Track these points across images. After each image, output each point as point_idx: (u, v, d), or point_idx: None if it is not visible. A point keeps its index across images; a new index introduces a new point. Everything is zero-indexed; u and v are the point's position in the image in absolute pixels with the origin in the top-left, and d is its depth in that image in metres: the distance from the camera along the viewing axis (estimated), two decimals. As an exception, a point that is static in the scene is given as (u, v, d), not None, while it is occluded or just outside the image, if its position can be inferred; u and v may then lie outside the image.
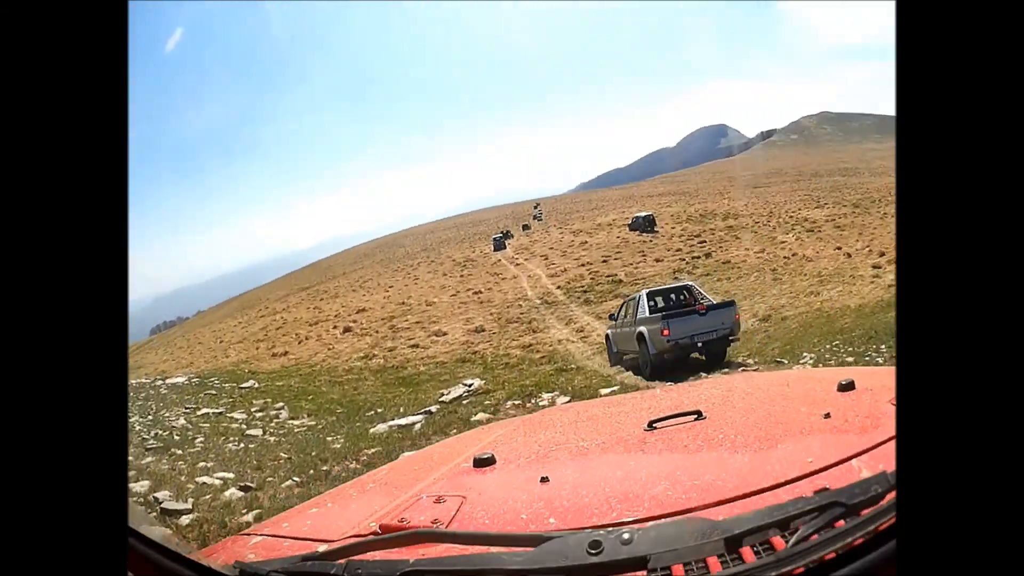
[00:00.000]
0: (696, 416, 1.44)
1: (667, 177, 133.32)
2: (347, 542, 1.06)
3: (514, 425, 2.14)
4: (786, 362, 9.55)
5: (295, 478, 6.02)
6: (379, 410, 10.12)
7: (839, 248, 24.52)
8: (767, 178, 77.68)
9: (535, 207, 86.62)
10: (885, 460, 0.98)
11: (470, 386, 10.12)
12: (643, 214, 41.77)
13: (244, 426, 10.06)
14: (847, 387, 1.50)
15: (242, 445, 8.45)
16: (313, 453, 7.09)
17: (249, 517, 4.94)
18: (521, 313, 23.28)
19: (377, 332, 25.43)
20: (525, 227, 63.91)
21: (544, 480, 1.19)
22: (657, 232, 37.99)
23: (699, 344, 10.26)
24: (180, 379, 19.13)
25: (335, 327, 28.86)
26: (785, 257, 24.92)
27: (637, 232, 38.41)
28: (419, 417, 8.17)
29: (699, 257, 27.84)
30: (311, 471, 6.22)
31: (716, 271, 24.67)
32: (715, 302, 11.55)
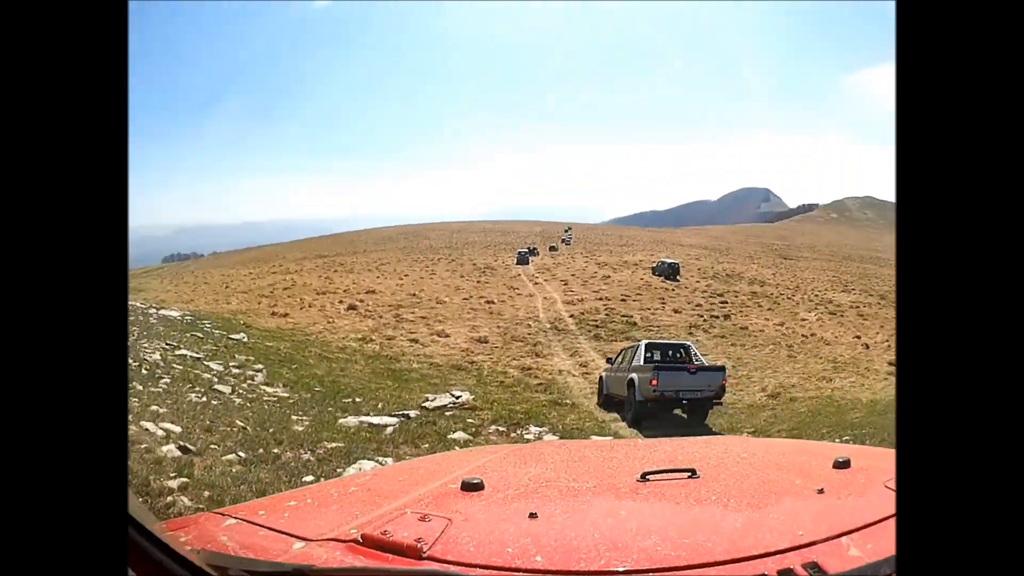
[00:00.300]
0: (690, 474, 1.45)
1: (702, 230, 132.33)
2: (326, 545, 1.08)
3: (505, 453, 2.11)
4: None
5: (240, 452, 5.47)
6: (357, 399, 9.54)
7: (858, 337, 23.78)
8: (799, 251, 77.63)
9: (566, 230, 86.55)
10: (875, 540, 1.03)
11: (457, 398, 9.48)
12: (669, 261, 41.42)
13: (216, 379, 9.52)
14: (843, 465, 1.50)
15: (204, 399, 7.91)
16: (271, 430, 6.51)
17: (174, 484, 4.39)
18: (528, 333, 22.62)
19: (381, 317, 24.94)
20: (552, 248, 63.79)
21: (533, 516, 1.19)
22: (679, 281, 37.68)
23: (683, 400, 10.66)
24: (174, 313, 18.80)
25: (341, 302, 28.47)
26: (803, 335, 24.10)
27: (660, 278, 38.21)
28: (394, 420, 7.54)
29: (718, 317, 27.02)
30: (260, 450, 5.66)
31: (732, 335, 23.87)
32: (707, 365, 11.91)
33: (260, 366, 11.40)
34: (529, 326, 23.98)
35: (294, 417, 7.52)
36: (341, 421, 7.36)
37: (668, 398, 10.46)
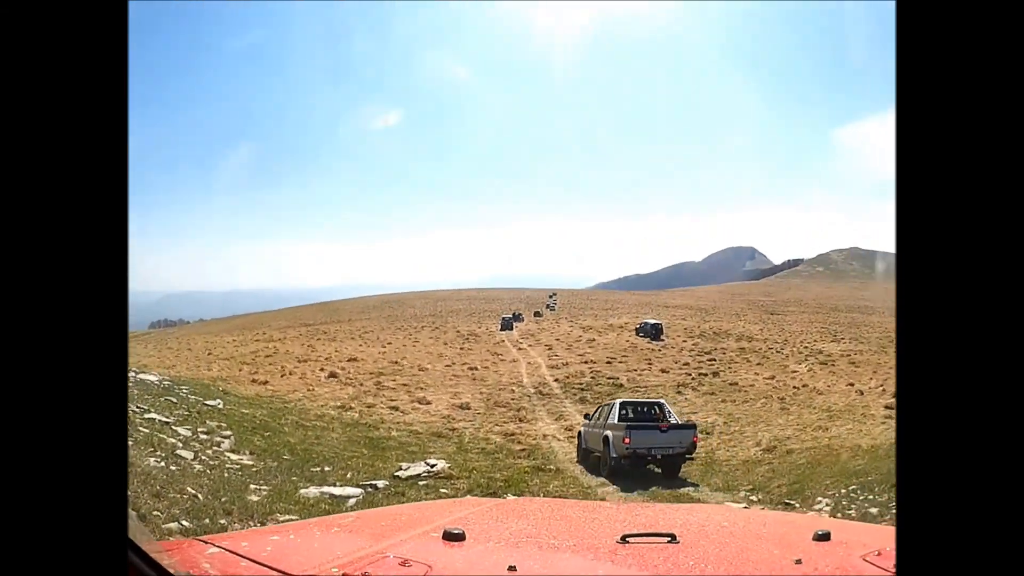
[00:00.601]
0: (670, 539, 1.44)
1: (687, 291, 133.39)
2: None
3: (488, 506, 2.12)
4: (797, 504, 8.34)
5: (184, 521, 5.08)
6: (326, 468, 9.01)
7: (851, 384, 23.49)
8: (786, 306, 79.05)
9: (550, 296, 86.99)
10: None
11: (432, 467, 8.99)
12: (652, 321, 42.14)
13: (180, 444, 8.99)
14: (823, 538, 1.50)
15: (163, 464, 7.42)
16: (223, 499, 6.06)
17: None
18: (512, 398, 22.10)
19: (362, 385, 24.36)
20: (537, 314, 63.84)
21: (512, 569, 1.18)
22: (663, 341, 37.89)
23: (657, 456, 11.20)
24: (153, 377, 18.19)
25: (322, 369, 27.88)
26: (795, 387, 23.80)
27: (644, 338, 38.63)
28: (358, 491, 7.09)
29: (706, 375, 26.70)
30: (206, 520, 5.28)
31: (722, 391, 23.50)
32: (679, 422, 12.36)
33: (229, 432, 10.85)
34: (513, 391, 23.47)
35: (253, 486, 7.03)
36: (301, 492, 6.89)
37: (641, 455, 10.95)
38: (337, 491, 6.94)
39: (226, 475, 7.55)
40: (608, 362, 30.05)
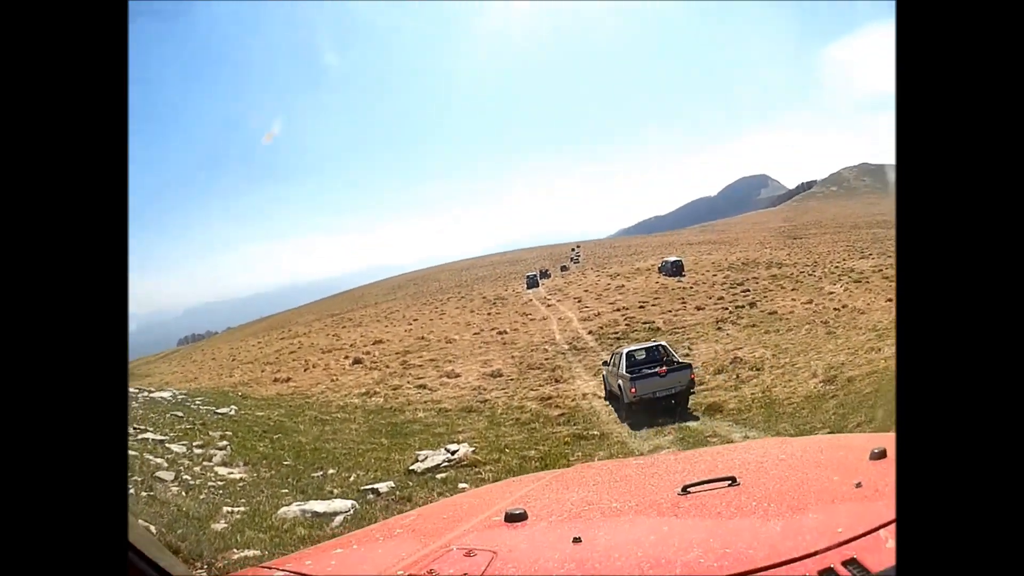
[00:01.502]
0: (730, 482, 1.45)
1: (707, 226, 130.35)
2: None
3: (546, 480, 2.11)
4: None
5: None
6: (330, 472, 7.78)
7: (890, 300, 21.45)
8: (807, 229, 76.59)
9: (572, 250, 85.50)
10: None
11: (453, 454, 7.61)
12: (671, 259, 41.77)
13: (165, 463, 7.82)
14: (879, 455, 1.50)
15: (132, 491, 6.28)
16: (180, 531, 4.87)
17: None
18: (546, 359, 20.71)
19: (387, 367, 23.25)
20: (563, 268, 62.60)
21: (577, 540, 1.19)
22: (684, 277, 36.99)
23: (660, 398, 12.46)
24: (166, 394, 17.35)
25: (347, 357, 26.90)
26: (835, 309, 22.14)
27: (667, 276, 38.10)
28: (348, 505, 5.75)
29: (743, 307, 24.95)
30: None
31: (763, 322, 21.78)
32: (677, 364, 13.54)
33: (225, 443, 9.65)
34: (546, 351, 22.07)
35: (227, 508, 5.80)
36: (282, 511, 5.61)
37: (647, 399, 12.34)
38: (322, 507, 5.63)
39: (203, 496, 6.32)
40: (641, 306, 28.43)
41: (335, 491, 6.45)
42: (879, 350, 14.51)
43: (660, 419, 11.68)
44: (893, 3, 0.91)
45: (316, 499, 5.99)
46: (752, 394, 12.52)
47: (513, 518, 1.37)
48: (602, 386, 15.73)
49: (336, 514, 5.39)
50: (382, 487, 6.42)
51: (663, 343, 15.53)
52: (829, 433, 8.39)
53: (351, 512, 5.53)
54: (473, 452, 7.81)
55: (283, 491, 6.66)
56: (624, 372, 12.93)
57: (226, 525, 5.27)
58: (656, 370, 12.97)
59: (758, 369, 14.91)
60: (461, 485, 6.41)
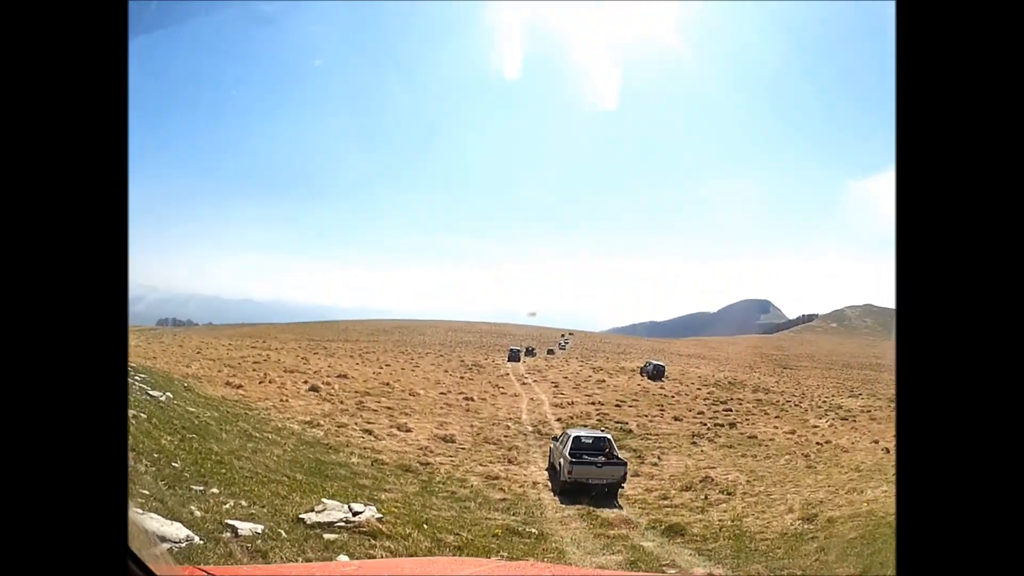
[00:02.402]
0: None
1: (700, 341, 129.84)
2: None
3: (492, 566, 2.13)
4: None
5: None
6: (213, 490, 6.37)
7: (876, 441, 21.13)
8: (799, 360, 76.70)
9: (562, 336, 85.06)
10: None
11: (355, 515, 6.40)
12: (655, 362, 42.45)
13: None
14: None
15: None
16: None
17: None
18: (505, 435, 19.45)
19: (342, 403, 21.94)
20: (550, 351, 61.82)
21: None
22: (664, 381, 37.16)
23: (593, 483, 13.52)
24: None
25: (305, 382, 25.58)
26: (819, 443, 21.39)
27: (648, 378, 38.34)
28: (183, 535, 4.57)
29: (723, 425, 23.94)
30: None
31: (740, 444, 20.77)
32: (615, 459, 14.72)
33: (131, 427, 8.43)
34: (507, 427, 20.81)
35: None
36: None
37: (581, 483, 13.40)
38: (156, 524, 4.47)
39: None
40: (617, 405, 27.30)
41: (196, 513, 5.31)
42: (861, 492, 13.55)
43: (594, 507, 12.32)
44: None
45: (162, 515, 4.86)
46: (720, 520, 11.27)
47: None
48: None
49: (164, 540, 4.26)
50: (247, 528, 5.22)
51: (608, 436, 16.58)
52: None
53: (183, 545, 4.39)
54: (379, 519, 6.59)
55: (142, 491, 5.49)
56: (567, 454, 14.06)
57: None
58: (595, 459, 14.30)
59: (729, 493, 13.81)
60: (340, 557, 5.27)
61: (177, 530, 4.59)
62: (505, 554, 6.85)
